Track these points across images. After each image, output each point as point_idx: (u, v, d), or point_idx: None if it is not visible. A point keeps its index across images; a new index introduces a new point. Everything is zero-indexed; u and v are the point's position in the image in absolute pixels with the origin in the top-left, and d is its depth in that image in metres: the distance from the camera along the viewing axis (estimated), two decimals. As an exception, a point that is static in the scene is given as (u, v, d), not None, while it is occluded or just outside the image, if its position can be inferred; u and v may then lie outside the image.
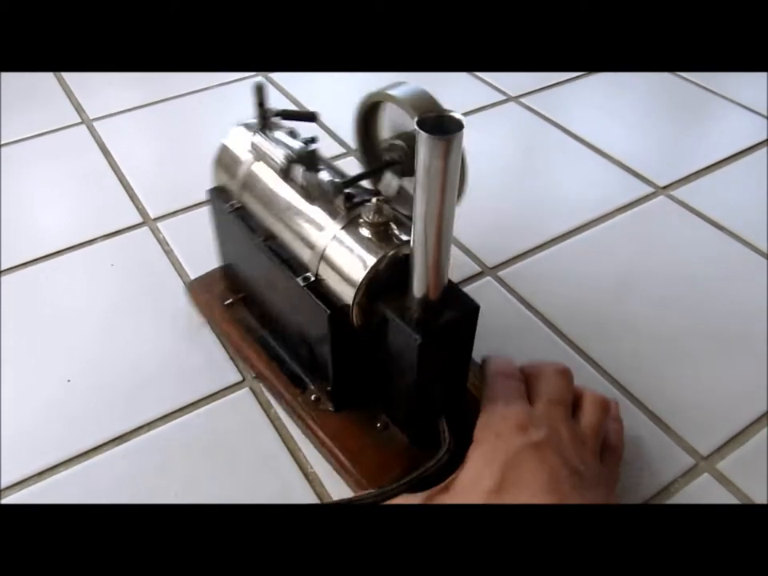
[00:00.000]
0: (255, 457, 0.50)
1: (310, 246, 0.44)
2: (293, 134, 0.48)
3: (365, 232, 0.42)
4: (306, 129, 0.48)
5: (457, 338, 0.43)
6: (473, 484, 0.41)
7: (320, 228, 0.44)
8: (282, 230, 0.46)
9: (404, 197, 0.45)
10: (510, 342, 0.57)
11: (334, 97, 0.81)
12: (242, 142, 0.50)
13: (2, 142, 0.80)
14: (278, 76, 0.91)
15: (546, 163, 0.78)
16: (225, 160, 0.51)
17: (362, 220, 0.42)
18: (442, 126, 0.33)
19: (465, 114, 0.84)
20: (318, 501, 0.47)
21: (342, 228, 0.43)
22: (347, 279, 0.42)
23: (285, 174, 0.46)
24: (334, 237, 0.43)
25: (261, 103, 0.47)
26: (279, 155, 0.45)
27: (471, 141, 0.77)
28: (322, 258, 0.43)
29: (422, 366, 0.41)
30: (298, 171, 0.45)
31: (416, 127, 0.32)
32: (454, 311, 0.41)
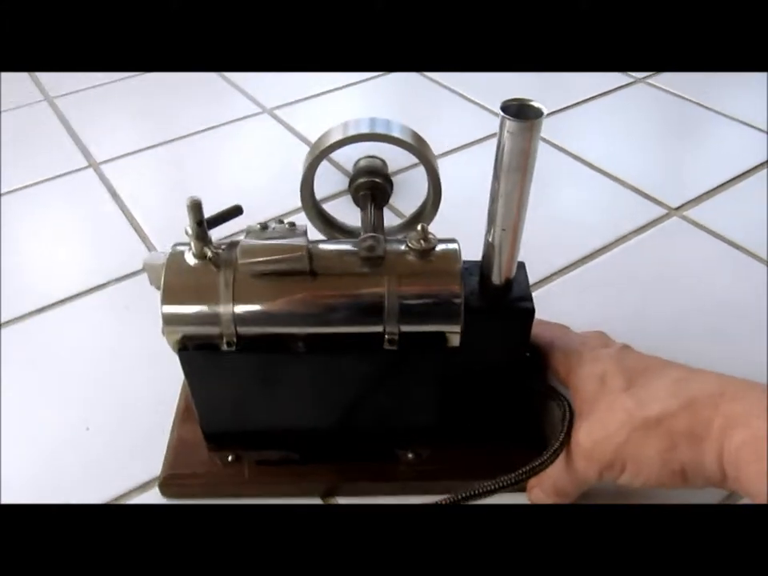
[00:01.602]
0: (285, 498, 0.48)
1: (374, 313, 0.41)
2: (265, 227, 0.42)
3: (423, 263, 0.42)
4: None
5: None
6: (604, 395, 0.42)
7: (375, 290, 0.41)
8: (324, 327, 0.42)
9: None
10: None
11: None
12: (197, 280, 0.42)
13: (10, 189, 0.80)
14: (279, 111, 0.92)
15: (555, 189, 0.78)
16: (184, 314, 0.42)
17: (409, 254, 0.42)
18: (520, 113, 0.36)
19: (471, 144, 0.86)
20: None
21: (400, 275, 0.41)
22: (443, 315, 0.42)
23: (312, 269, 0.42)
24: (399, 289, 0.41)
25: (200, 221, 0.41)
26: (295, 254, 0.41)
27: (478, 170, 0.77)
28: (400, 312, 0.41)
29: (529, 333, 0.45)
30: (325, 254, 0.43)
31: (501, 113, 0.36)
32: (518, 276, 0.45)
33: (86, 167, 0.83)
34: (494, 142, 0.38)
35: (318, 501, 0.49)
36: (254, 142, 0.88)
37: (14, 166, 0.83)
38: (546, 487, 0.45)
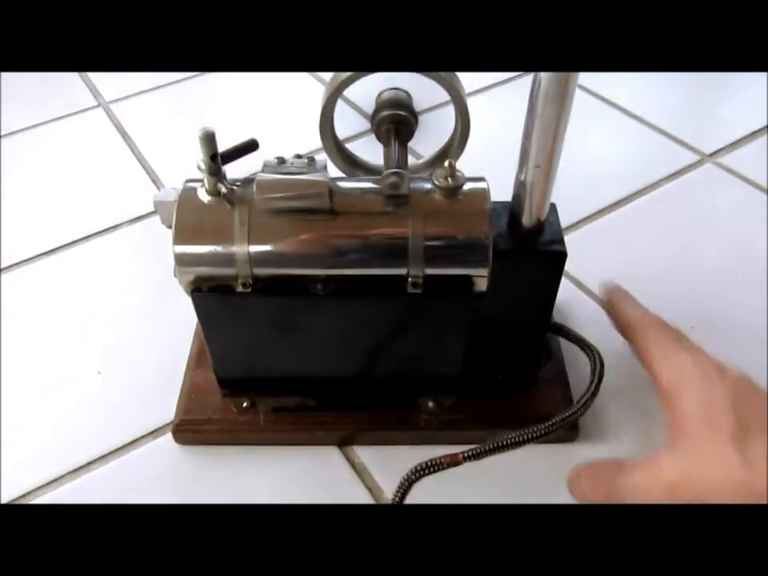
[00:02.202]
0: (302, 447, 0.47)
1: (397, 254, 0.39)
2: (282, 161, 0.40)
3: (450, 202, 0.39)
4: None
5: None
6: (708, 434, 0.36)
7: (398, 230, 0.39)
8: (344, 269, 0.40)
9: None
10: (557, 315, 0.54)
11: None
12: (211, 218, 0.40)
13: (19, 128, 0.77)
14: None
15: (586, 134, 0.74)
16: (197, 254, 0.40)
17: (435, 192, 0.39)
18: None
19: (500, 84, 0.82)
20: (370, 496, 0.45)
21: (425, 214, 0.39)
22: (470, 258, 0.39)
23: (332, 207, 0.39)
24: (424, 230, 0.39)
25: (214, 155, 0.38)
26: (316, 191, 0.38)
27: (506, 112, 0.73)
28: (425, 254, 0.39)
29: (560, 277, 0.43)
30: (347, 191, 0.40)
31: None
32: (549, 218, 0.43)
33: (95, 106, 0.80)
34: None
35: (335, 449, 0.47)
36: (267, 81, 0.84)
37: (21, 105, 0.81)
38: (595, 483, 0.40)
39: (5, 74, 0.86)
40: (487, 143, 0.57)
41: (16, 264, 0.61)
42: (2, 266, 0.61)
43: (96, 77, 0.85)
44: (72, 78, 0.85)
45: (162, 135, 0.76)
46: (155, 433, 0.48)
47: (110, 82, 0.84)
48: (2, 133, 0.76)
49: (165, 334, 0.54)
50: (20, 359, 0.53)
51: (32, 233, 0.64)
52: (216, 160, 0.39)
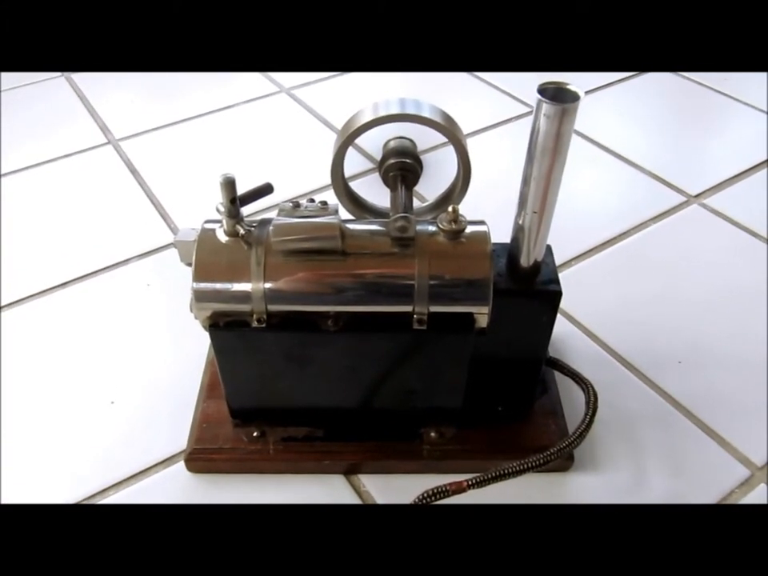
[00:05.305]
0: (309, 475, 0.49)
1: (404, 293, 0.42)
2: (297, 205, 0.43)
3: (453, 244, 0.42)
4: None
5: None
6: None
7: (405, 270, 0.42)
8: (353, 306, 0.42)
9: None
10: (552, 350, 0.57)
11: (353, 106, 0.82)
12: (229, 258, 0.42)
13: (30, 164, 0.80)
14: (297, 91, 0.91)
15: (575, 175, 0.78)
16: (215, 291, 0.42)
17: (439, 235, 0.42)
18: (557, 96, 0.37)
19: (488, 128, 0.86)
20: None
21: (430, 256, 0.42)
22: (472, 297, 0.42)
23: (344, 248, 0.42)
24: (429, 270, 0.41)
25: (233, 199, 0.41)
26: (328, 233, 0.41)
27: (496, 155, 0.77)
28: (430, 293, 0.42)
29: (556, 315, 0.45)
30: (357, 233, 0.43)
31: (538, 96, 0.36)
32: (545, 259, 0.45)
33: (105, 144, 0.83)
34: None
35: (340, 478, 0.49)
36: (272, 121, 0.88)
37: (34, 143, 0.83)
38: None
39: (13, 111, 0.89)
40: (482, 182, 0.60)
41: (31, 296, 0.63)
42: (16, 299, 0.63)
43: (106, 115, 0.88)
44: (82, 116, 0.88)
45: (170, 172, 0.79)
46: (168, 461, 0.50)
47: (119, 121, 0.87)
48: (14, 169, 0.79)
49: (176, 365, 0.57)
50: (35, 390, 0.55)
51: (44, 267, 0.66)
52: (235, 204, 0.41)
